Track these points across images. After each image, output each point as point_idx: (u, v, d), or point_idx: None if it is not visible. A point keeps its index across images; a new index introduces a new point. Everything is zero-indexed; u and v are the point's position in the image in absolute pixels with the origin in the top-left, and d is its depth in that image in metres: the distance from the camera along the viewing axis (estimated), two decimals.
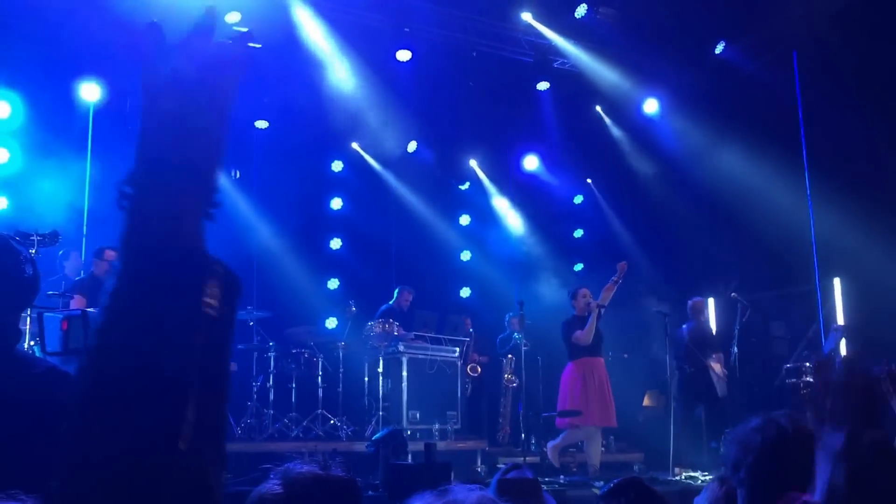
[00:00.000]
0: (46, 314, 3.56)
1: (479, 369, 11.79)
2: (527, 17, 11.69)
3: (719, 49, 12.02)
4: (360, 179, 13.40)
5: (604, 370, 9.30)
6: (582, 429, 9.17)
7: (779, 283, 11.91)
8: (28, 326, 6.08)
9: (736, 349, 10.24)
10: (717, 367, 10.17)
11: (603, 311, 9.23)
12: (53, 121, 10.54)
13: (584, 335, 9.01)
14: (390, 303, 11.41)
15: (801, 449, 2.11)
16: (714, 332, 10.50)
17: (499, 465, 10.28)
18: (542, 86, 12.35)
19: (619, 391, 11.57)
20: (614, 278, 9.32)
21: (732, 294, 10.60)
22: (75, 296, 7.89)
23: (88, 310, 3.72)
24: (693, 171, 12.52)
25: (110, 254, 8.55)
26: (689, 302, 10.53)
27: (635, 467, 10.97)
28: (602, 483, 8.45)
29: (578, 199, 14.69)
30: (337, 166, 13.29)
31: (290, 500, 2.17)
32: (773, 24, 11.59)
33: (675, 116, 12.86)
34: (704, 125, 12.43)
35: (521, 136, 13.61)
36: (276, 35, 10.65)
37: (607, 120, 13.62)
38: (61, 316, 3.56)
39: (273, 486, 2.17)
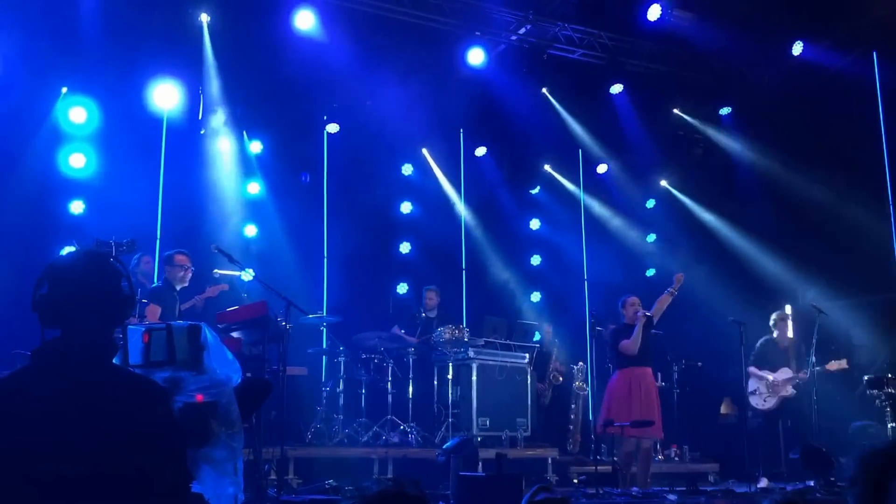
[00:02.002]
0: (129, 326, 3.60)
1: (562, 378, 11.67)
2: (601, 22, 11.55)
3: (797, 50, 11.70)
4: (430, 183, 13.37)
5: (651, 380, 9.07)
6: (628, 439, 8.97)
7: (860, 290, 11.56)
8: None
9: (813, 358, 9.98)
10: (766, 374, 9.97)
11: (655, 319, 9.02)
12: (127, 125, 10.73)
13: (630, 344, 8.82)
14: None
15: None
16: (789, 344, 10.22)
17: (570, 475, 10.21)
18: (616, 88, 12.17)
19: (693, 400, 11.38)
20: (670, 289, 9.10)
21: (812, 304, 10.32)
22: (149, 304, 7.81)
23: (173, 323, 3.75)
24: (771, 175, 12.23)
25: (181, 258, 8.51)
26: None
27: (710, 478, 10.77)
28: (675, 497, 8.32)
29: (651, 204, 14.45)
30: (407, 170, 13.27)
31: None
32: (852, 24, 11.28)
33: (752, 118, 12.58)
34: (782, 127, 12.15)
35: (593, 138, 13.43)
36: (345, 38, 10.70)
37: (683, 122, 13.36)
38: (143, 328, 3.59)
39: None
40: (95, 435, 2.34)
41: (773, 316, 10.16)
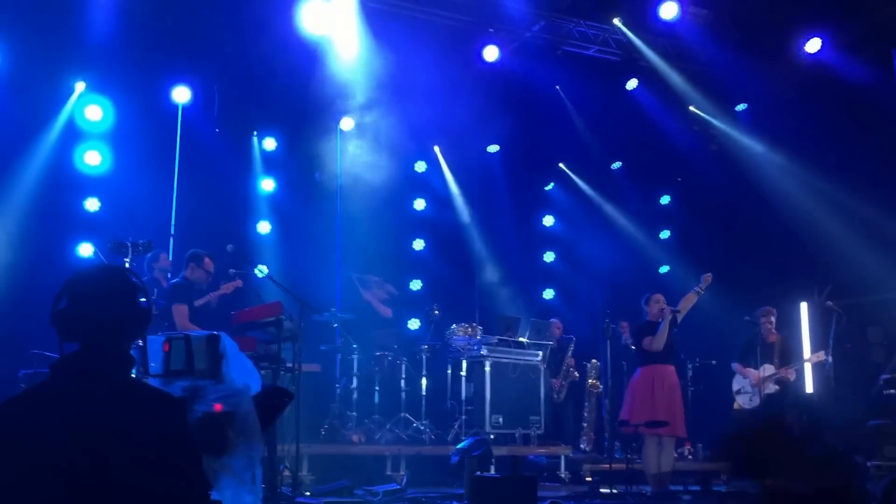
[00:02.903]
0: (150, 337, 3.60)
1: (578, 375, 11.63)
2: (616, 19, 11.48)
3: (813, 48, 11.61)
4: (444, 180, 13.36)
5: (675, 378, 8.91)
6: (653, 437, 8.85)
7: (876, 287, 11.48)
8: None
9: (830, 358, 9.92)
10: (749, 372, 9.91)
11: (680, 318, 8.91)
12: (142, 123, 10.76)
13: (655, 341, 8.69)
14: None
15: None
16: (774, 340, 10.12)
17: (583, 473, 10.20)
18: (632, 84, 12.07)
19: (707, 397, 11.34)
20: (697, 289, 8.99)
21: (827, 303, 10.25)
22: (175, 305, 7.69)
23: (191, 332, 3.75)
24: (786, 172, 12.16)
25: (210, 263, 8.43)
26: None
27: (723, 476, 10.72)
28: (690, 497, 8.29)
29: (665, 200, 14.40)
30: (420, 167, 13.26)
31: None
32: (870, 21, 11.19)
33: (768, 115, 12.50)
34: (798, 124, 12.06)
35: (607, 135, 13.37)
36: (358, 35, 10.68)
37: (698, 118, 13.28)
38: (163, 338, 3.59)
39: None
40: (113, 448, 2.37)
41: (758, 312, 10.08)
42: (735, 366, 10.09)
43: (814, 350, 10.89)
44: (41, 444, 2.38)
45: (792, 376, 9.93)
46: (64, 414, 2.44)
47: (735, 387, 10.13)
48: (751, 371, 9.87)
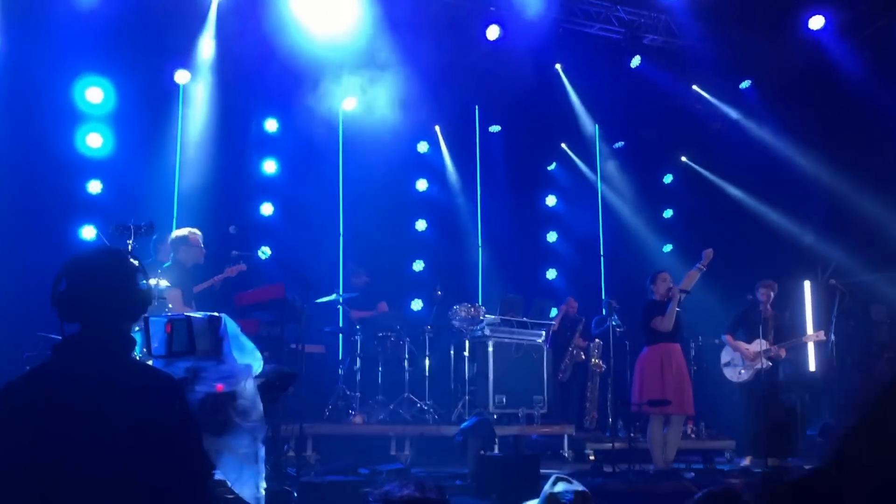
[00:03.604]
0: (152, 318, 3.62)
1: (584, 356, 11.63)
2: None
3: (817, 25, 11.54)
4: (446, 160, 13.33)
5: (681, 356, 8.87)
6: (659, 416, 8.83)
7: (879, 265, 11.48)
8: None
9: (833, 337, 9.92)
10: (740, 345, 9.87)
11: (684, 296, 8.86)
12: (143, 105, 10.74)
13: (665, 321, 8.64)
14: None
15: None
16: (768, 315, 10.05)
17: (586, 451, 10.24)
18: (635, 62, 11.98)
19: (710, 376, 11.36)
20: (699, 265, 8.93)
21: (831, 281, 10.24)
22: (168, 290, 7.64)
23: (192, 314, 3.76)
24: (791, 149, 12.12)
25: (195, 237, 8.21)
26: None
27: (726, 455, 10.76)
28: (693, 475, 8.32)
29: (668, 179, 14.37)
30: (422, 147, 13.24)
31: None
32: None
33: (771, 92, 12.45)
34: (802, 101, 12.01)
35: (610, 114, 13.32)
36: (356, 14, 10.64)
37: (701, 97, 13.21)
38: (165, 319, 3.61)
39: None
40: (114, 429, 2.40)
41: (757, 284, 10.01)
42: (725, 337, 10.01)
43: (816, 329, 10.87)
44: (43, 424, 2.40)
45: (783, 354, 9.85)
46: (66, 395, 2.45)
47: (724, 359, 10.03)
48: (742, 345, 9.81)
